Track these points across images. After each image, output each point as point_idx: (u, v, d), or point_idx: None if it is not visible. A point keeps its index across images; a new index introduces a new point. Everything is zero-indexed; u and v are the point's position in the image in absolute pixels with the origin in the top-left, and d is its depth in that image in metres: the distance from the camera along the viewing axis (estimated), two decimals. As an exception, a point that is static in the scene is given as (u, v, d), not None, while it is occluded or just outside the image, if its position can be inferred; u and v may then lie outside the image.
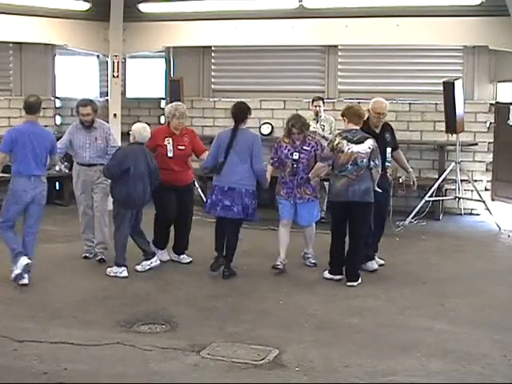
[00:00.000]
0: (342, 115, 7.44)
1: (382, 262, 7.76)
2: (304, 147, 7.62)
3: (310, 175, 7.54)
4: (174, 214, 7.85)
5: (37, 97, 7.23)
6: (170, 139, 7.82)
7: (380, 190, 7.29)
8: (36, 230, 7.22)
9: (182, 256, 7.98)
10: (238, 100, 8.51)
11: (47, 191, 7.28)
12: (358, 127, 7.27)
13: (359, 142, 7.16)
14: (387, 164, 7.61)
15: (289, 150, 7.64)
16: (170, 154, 7.80)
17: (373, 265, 7.62)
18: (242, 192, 7.39)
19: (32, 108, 7.08)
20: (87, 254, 8.09)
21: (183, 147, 7.84)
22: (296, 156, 7.60)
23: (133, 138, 7.67)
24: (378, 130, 7.61)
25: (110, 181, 7.67)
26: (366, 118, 7.53)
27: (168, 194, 7.75)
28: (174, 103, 8.20)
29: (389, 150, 7.64)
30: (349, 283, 7.16)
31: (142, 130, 7.66)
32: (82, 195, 8.03)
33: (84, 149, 7.91)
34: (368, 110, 7.66)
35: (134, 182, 7.42)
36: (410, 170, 8.09)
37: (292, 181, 7.64)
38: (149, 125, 7.99)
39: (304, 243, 7.93)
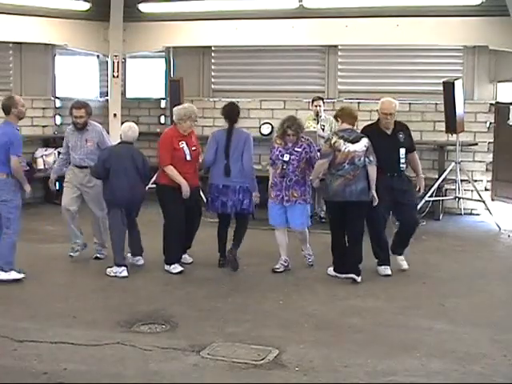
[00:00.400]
0: (336, 116, 7.54)
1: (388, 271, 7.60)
2: (296, 149, 7.49)
3: (311, 177, 7.48)
4: (183, 223, 7.66)
5: (8, 97, 7.26)
6: (184, 142, 7.60)
7: (376, 199, 7.25)
8: (6, 227, 7.03)
9: (183, 256, 7.97)
10: (233, 100, 8.55)
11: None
12: (352, 127, 7.37)
13: (355, 141, 7.24)
14: (402, 166, 7.46)
15: (280, 152, 7.53)
16: (189, 158, 7.61)
17: (386, 270, 7.53)
18: (236, 189, 7.66)
19: (3, 109, 7.12)
20: (72, 253, 8.00)
21: (195, 148, 7.72)
22: (286, 157, 7.48)
23: (120, 137, 7.86)
24: (389, 132, 7.48)
25: (100, 183, 7.75)
26: (377, 120, 7.58)
27: (180, 200, 7.52)
28: (185, 105, 7.98)
29: (402, 150, 7.46)
30: (350, 275, 7.23)
31: (126, 129, 7.75)
32: (68, 193, 7.95)
33: (75, 150, 7.92)
34: (377, 111, 7.65)
35: (117, 181, 7.47)
36: (422, 175, 7.78)
37: (281, 182, 7.52)
38: (137, 123, 8.03)
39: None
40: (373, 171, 7.25)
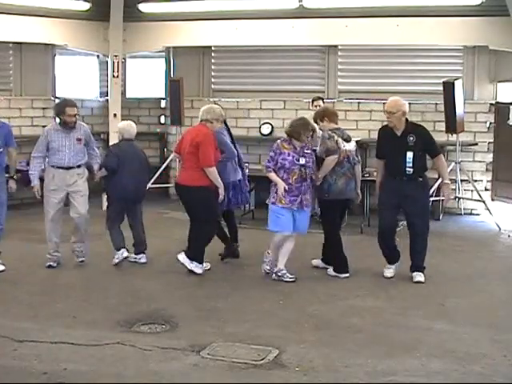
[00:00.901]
0: (322, 116, 7.52)
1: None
2: (306, 151, 7.31)
3: (320, 174, 7.37)
4: None
5: None
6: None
7: (360, 196, 7.64)
8: None
9: (206, 264, 7.78)
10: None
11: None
12: (339, 126, 7.56)
13: (348, 140, 7.46)
14: (408, 170, 7.12)
15: (293, 157, 7.22)
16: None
17: (388, 271, 7.49)
18: (240, 183, 7.96)
19: None
20: (51, 263, 7.72)
21: None
22: (303, 161, 7.23)
23: (121, 136, 8.01)
24: (399, 133, 7.21)
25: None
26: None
27: (216, 202, 7.53)
28: (216, 105, 7.89)
29: (409, 154, 7.09)
30: (344, 275, 7.48)
31: (128, 127, 7.97)
32: (52, 199, 7.62)
33: (63, 150, 7.56)
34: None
35: (122, 177, 7.72)
36: (446, 181, 7.38)
37: (299, 188, 7.24)
38: (137, 123, 8.11)
39: (273, 257, 7.47)
40: (359, 170, 7.57)
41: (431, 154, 7.32)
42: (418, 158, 7.16)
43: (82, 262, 7.88)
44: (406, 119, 7.28)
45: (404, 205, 7.28)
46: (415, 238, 7.38)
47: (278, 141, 7.40)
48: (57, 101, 12.05)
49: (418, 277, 7.29)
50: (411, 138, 7.17)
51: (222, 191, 7.46)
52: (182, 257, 7.48)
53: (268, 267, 7.48)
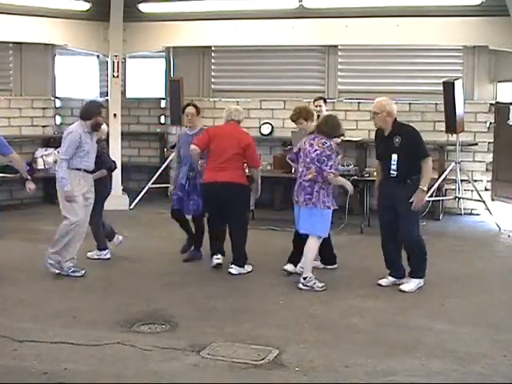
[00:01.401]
0: (307, 116, 7.43)
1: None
2: None
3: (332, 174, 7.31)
4: None
5: None
6: None
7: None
8: None
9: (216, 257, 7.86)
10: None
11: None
12: None
13: None
14: (392, 172, 6.90)
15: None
16: None
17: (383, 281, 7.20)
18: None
19: None
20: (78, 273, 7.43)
21: None
22: None
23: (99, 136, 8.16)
24: (386, 133, 7.04)
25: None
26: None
27: None
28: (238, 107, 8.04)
29: (394, 156, 6.86)
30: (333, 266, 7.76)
31: (104, 128, 8.18)
32: (79, 206, 7.28)
33: (90, 154, 7.39)
34: None
35: (110, 176, 8.22)
36: (421, 187, 6.84)
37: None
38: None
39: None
40: None
41: (417, 156, 6.88)
42: (406, 159, 6.84)
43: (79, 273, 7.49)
44: (395, 120, 7.02)
45: (397, 207, 6.99)
46: (404, 243, 7.11)
47: (331, 143, 7.05)
48: (57, 101, 12.12)
49: (405, 284, 6.99)
50: (397, 140, 6.89)
51: (259, 189, 7.78)
52: (235, 269, 7.52)
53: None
